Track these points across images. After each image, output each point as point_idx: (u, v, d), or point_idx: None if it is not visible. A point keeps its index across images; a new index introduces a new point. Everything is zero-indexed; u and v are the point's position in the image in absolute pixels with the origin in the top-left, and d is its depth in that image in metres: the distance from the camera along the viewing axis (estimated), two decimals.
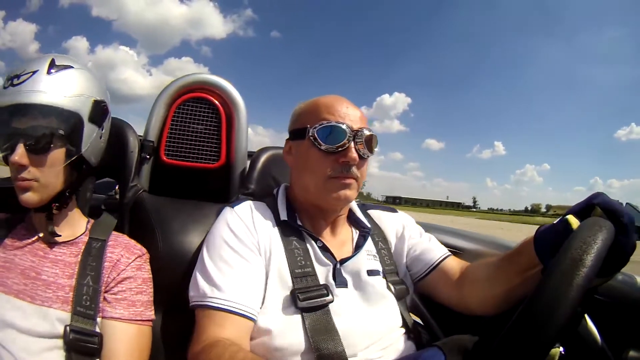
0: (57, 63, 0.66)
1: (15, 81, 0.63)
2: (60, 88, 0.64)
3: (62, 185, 0.67)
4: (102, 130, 0.71)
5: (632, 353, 0.61)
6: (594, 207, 0.56)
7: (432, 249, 0.81)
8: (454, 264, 0.78)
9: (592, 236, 0.45)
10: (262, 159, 1.02)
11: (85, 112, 0.66)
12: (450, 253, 0.81)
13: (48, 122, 0.63)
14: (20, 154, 0.61)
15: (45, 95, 0.62)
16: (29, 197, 0.64)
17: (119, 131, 0.93)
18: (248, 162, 1.06)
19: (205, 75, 1.06)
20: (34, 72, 0.63)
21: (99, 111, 0.69)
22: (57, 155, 0.65)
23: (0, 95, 0.63)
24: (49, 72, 0.64)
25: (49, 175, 0.64)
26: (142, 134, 1.02)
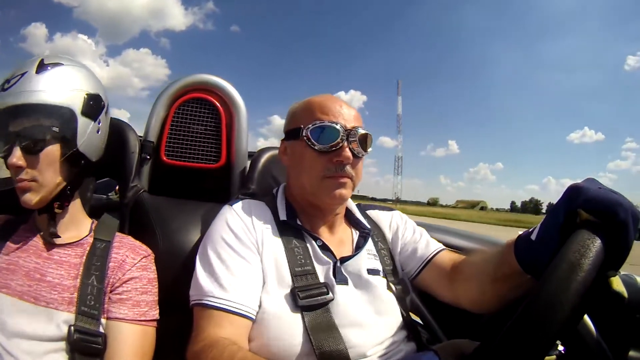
0: (45, 62, 0.66)
1: (6, 85, 0.63)
2: (49, 85, 0.64)
3: (61, 184, 0.67)
4: (99, 124, 0.70)
5: (632, 353, 0.61)
6: (577, 212, 0.48)
7: (424, 246, 0.80)
8: (447, 259, 0.77)
9: (575, 267, 0.41)
10: (263, 159, 1.02)
11: (77, 106, 0.66)
12: (444, 247, 0.80)
13: (40, 121, 0.63)
14: (16, 155, 0.61)
15: (35, 94, 0.62)
16: (29, 198, 0.64)
17: (119, 131, 0.93)
18: (248, 163, 1.06)
19: (206, 75, 1.06)
20: (23, 74, 0.63)
21: (93, 104, 0.68)
22: (53, 152, 0.64)
23: None
24: (37, 72, 0.64)
25: (46, 174, 0.64)
26: (142, 135, 1.02)
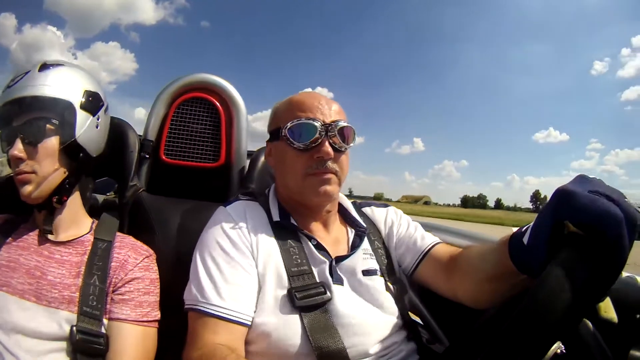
0: (48, 63, 0.69)
1: (11, 83, 0.66)
2: (50, 81, 0.67)
3: (60, 175, 0.68)
4: (98, 120, 0.72)
5: (633, 353, 0.60)
6: (563, 224, 0.44)
7: (420, 240, 0.79)
8: (444, 252, 0.75)
9: (563, 285, 0.39)
10: (262, 158, 1.02)
11: (76, 100, 0.68)
12: (440, 241, 0.79)
13: (41, 113, 0.65)
14: (17, 148, 0.63)
15: (37, 87, 0.65)
16: (28, 190, 0.64)
17: (118, 131, 0.93)
18: (248, 162, 1.06)
19: (206, 75, 1.06)
20: (27, 73, 0.67)
21: (92, 100, 0.71)
22: (51, 143, 0.66)
23: (0, 100, 0.66)
24: (40, 70, 0.67)
25: (45, 165, 0.65)
26: (141, 134, 1.02)
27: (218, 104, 1.05)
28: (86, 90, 0.70)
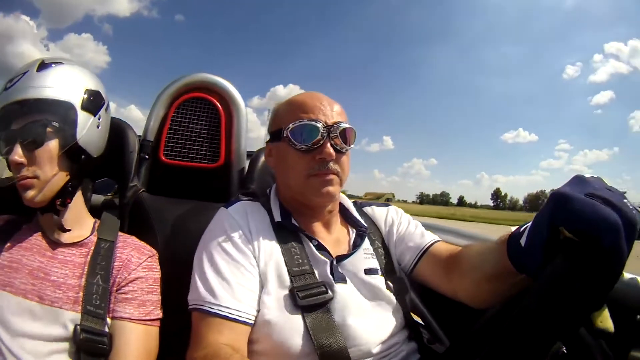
0: (46, 62, 0.67)
1: (8, 85, 0.64)
2: (48, 81, 0.64)
3: (63, 179, 0.67)
4: (99, 119, 0.71)
5: (633, 354, 0.60)
6: (559, 229, 0.44)
7: (419, 237, 0.79)
8: (443, 250, 0.75)
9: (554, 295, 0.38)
10: (262, 158, 1.02)
11: (77, 100, 0.66)
12: (439, 239, 0.79)
13: (40, 116, 0.63)
14: (17, 153, 0.62)
15: (36, 89, 0.63)
16: (31, 195, 0.64)
17: (118, 131, 0.92)
18: (247, 162, 1.06)
19: (205, 74, 1.06)
20: (25, 73, 0.65)
21: (93, 100, 0.69)
22: (53, 147, 0.64)
23: None
24: (39, 70, 0.65)
25: (47, 169, 0.64)
26: (140, 134, 1.02)
27: (218, 103, 1.05)
28: (87, 89, 0.69)
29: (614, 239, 0.40)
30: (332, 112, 0.72)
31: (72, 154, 0.66)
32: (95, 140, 0.71)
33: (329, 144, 0.69)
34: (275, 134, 0.74)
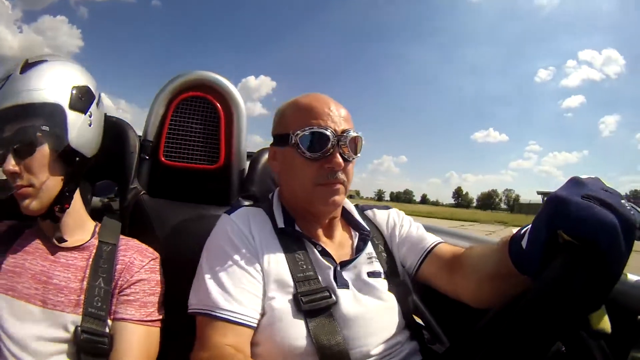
0: (30, 62, 0.64)
1: None
2: (33, 84, 0.62)
3: (59, 184, 0.65)
4: (90, 117, 0.68)
5: (633, 355, 0.60)
6: (557, 232, 0.45)
7: (422, 239, 0.79)
8: (446, 251, 0.76)
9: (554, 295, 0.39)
10: (262, 160, 1.01)
11: (64, 100, 0.64)
12: (442, 240, 0.80)
13: (29, 121, 0.61)
14: (10, 162, 0.60)
15: (20, 94, 0.61)
16: (29, 205, 0.63)
17: (118, 131, 0.92)
18: (248, 163, 1.05)
19: (205, 73, 1.04)
20: (8, 77, 0.62)
21: (81, 97, 0.66)
22: (44, 151, 0.63)
23: None
24: (22, 72, 0.63)
25: (42, 176, 0.62)
26: (140, 134, 1.01)
27: (217, 102, 1.03)
28: (74, 87, 0.65)
29: (611, 241, 0.40)
30: (340, 118, 0.71)
31: (66, 157, 0.65)
32: (89, 140, 0.68)
33: (338, 154, 0.69)
34: (282, 138, 0.72)
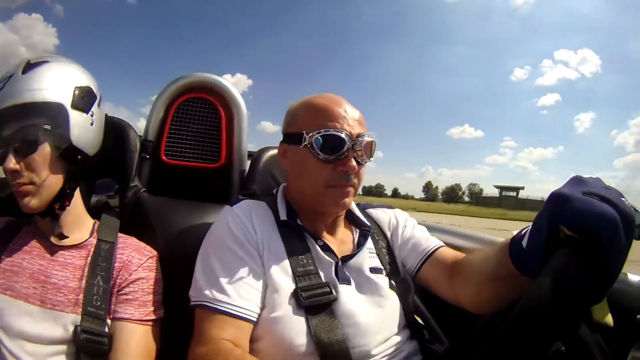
0: (32, 62, 0.65)
1: None
2: (35, 83, 0.62)
3: (60, 182, 0.65)
4: (92, 116, 0.69)
5: (633, 354, 0.60)
6: (558, 228, 0.45)
7: (424, 241, 0.80)
8: (447, 255, 0.76)
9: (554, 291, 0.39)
10: (263, 159, 1.01)
11: (67, 99, 0.64)
12: (443, 244, 0.80)
13: (31, 120, 0.62)
14: (11, 160, 0.60)
15: (22, 93, 0.61)
16: (29, 202, 0.63)
17: (118, 130, 0.92)
18: (248, 162, 1.06)
19: (206, 75, 1.05)
20: (10, 77, 0.63)
21: (83, 97, 0.67)
22: (47, 151, 0.63)
23: None
24: (24, 72, 0.63)
25: (43, 174, 0.63)
26: (141, 134, 1.02)
27: (218, 104, 1.04)
28: (76, 87, 0.66)
29: (612, 234, 0.41)
30: (355, 121, 0.70)
31: (68, 155, 0.65)
32: (90, 139, 0.69)
33: (352, 157, 0.69)
34: (294, 137, 0.72)
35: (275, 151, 1.00)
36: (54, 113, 0.63)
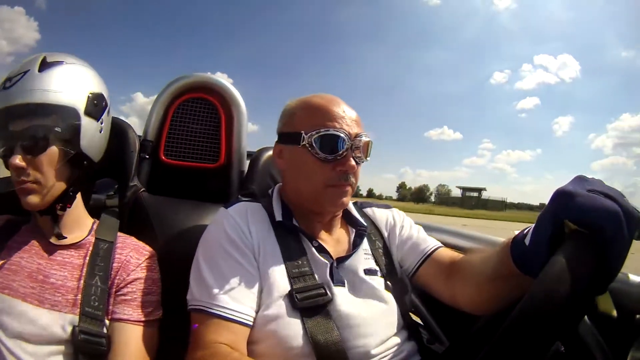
0: (48, 60, 0.64)
1: (8, 84, 0.62)
2: (52, 84, 0.62)
3: (64, 185, 0.66)
4: (102, 124, 0.69)
5: (633, 354, 0.60)
6: (563, 223, 0.46)
7: (422, 242, 0.79)
8: (446, 256, 0.76)
9: (561, 279, 0.39)
10: (263, 159, 1.01)
11: (80, 106, 0.65)
12: (441, 245, 0.80)
13: (43, 121, 0.62)
14: (17, 157, 0.60)
15: (38, 93, 0.61)
16: (31, 200, 0.62)
17: (118, 131, 0.92)
18: (248, 162, 1.06)
19: (206, 75, 1.06)
20: (25, 72, 0.62)
21: (96, 104, 0.67)
22: (55, 153, 0.63)
23: None
24: (40, 70, 0.63)
25: (49, 175, 0.63)
26: (141, 134, 1.02)
27: (218, 104, 1.05)
28: (91, 93, 0.66)
29: (616, 227, 0.43)
30: (352, 121, 0.71)
31: (75, 160, 0.65)
32: (98, 145, 0.70)
33: (351, 157, 0.69)
34: (292, 137, 0.72)
35: None
36: (66, 117, 0.63)
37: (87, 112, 0.66)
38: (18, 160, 0.60)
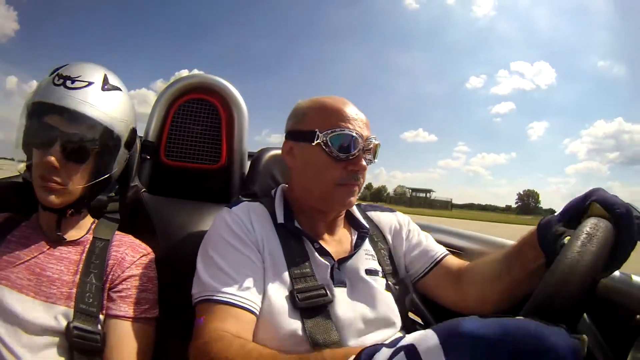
0: (110, 81, 0.70)
1: (70, 84, 0.65)
2: (110, 109, 0.68)
3: (84, 194, 0.70)
4: (128, 154, 0.77)
5: (633, 354, 0.60)
6: (591, 203, 0.55)
7: (431, 248, 0.82)
8: (454, 263, 0.79)
9: (591, 237, 0.45)
10: (264, 160, 1.01)
11: (124, 137, 0.72)
12: (448, 252, 0.82)
13: (91, 135, 0.66)
14: (55, 155, 0.63)
15: (96, 109, 0.66)
16: (53, 200, 0.65)
17: None
18: (248, 163, 1.06)
19: (206, 76, 1.06)
20: (90, 84, 0.67)
21: (133, 137, 0.75)
22: (89, 168, 0.68)
23: (51, 91, 0.64)
24: (103, 88, 0.68)
25: (76, 183, 0.67)
26: (142, 135, 1.02)
27: (219, 104, 1.05)
28: (132, 128, 0.74)
29: (629, 219, 0.52)
30: (363, 124, 0.73)
31: (102, 180, 0.71)
32: (121, 169, 0.76)
33: (362, 158, 0.71)
34: (304, 135, 0.73)
35: (275, 152, 1.00)
36: (111, 142, 0.70)
37: (126, 145, 0.73)
38: (54, 159, 0.63)
